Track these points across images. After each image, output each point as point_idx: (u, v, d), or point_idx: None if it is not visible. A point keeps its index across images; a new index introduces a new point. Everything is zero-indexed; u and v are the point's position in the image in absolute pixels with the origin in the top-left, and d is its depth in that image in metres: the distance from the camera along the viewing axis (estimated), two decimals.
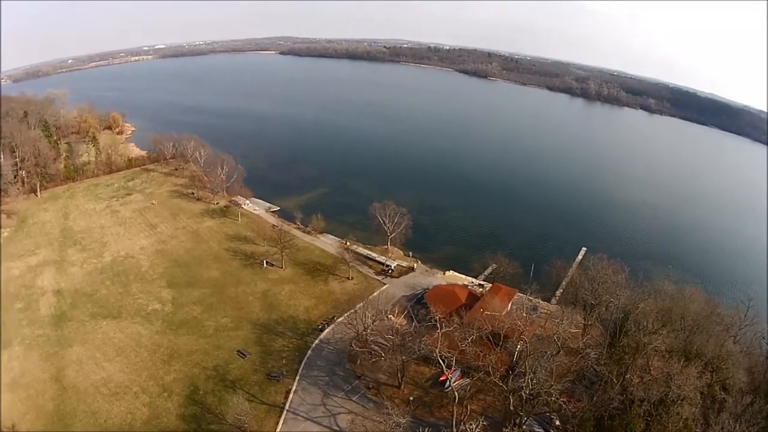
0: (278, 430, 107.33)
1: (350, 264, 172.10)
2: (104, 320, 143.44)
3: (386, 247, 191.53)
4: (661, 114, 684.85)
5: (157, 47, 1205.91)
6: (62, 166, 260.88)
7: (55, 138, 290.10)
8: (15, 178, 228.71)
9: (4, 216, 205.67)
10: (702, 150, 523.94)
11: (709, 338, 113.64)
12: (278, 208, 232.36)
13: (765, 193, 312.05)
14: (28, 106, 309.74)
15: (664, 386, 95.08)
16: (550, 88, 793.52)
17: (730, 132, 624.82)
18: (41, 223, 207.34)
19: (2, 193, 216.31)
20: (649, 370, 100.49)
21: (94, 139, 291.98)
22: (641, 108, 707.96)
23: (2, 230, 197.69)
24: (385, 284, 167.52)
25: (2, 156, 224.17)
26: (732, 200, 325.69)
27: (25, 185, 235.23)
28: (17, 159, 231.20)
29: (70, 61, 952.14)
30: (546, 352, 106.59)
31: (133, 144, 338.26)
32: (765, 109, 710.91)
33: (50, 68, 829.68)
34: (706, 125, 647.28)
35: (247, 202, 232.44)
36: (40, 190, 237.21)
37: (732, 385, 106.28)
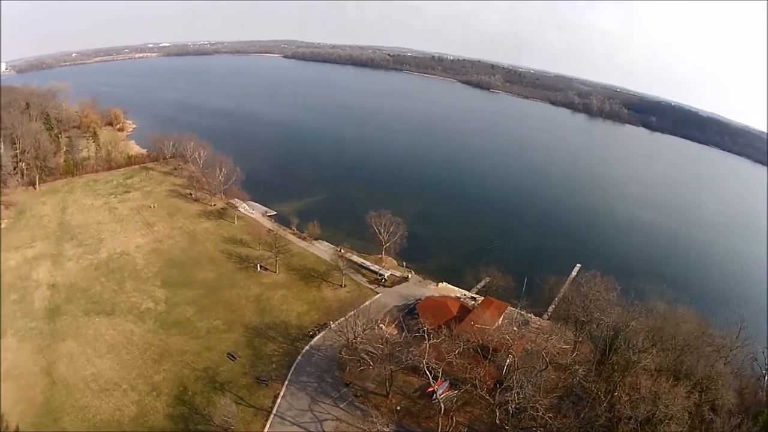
0: None
1: (344, 272, 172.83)
2: (97, 316, 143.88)
3: (380, 256, 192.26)
4: (662, 132, 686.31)
5: (161, 45, 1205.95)
6: (62, 160, 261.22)
7: (56, 131, 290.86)
8: (14, 169, 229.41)
9: (2, 207, 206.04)
10: (701, 169, 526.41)
11: (700, 358, 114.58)
12: (275, 213, 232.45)
13: (764, 214, 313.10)
14: (31, 97, 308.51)
15: (652, 405, 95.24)
16: (553, 103, 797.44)
17: (731, 152, 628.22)
18: (39, 216, 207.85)
19: (1, 184, 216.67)
20: (638, 388, 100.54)
21: (95, 135, 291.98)
22: (642, 125, 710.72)
23: (1, 221, 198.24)
24: (378, 293, 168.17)
25: (2, 147, 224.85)
26: (730, 220, 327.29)
27: (25, 177, 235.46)
28: (17, 150, 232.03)
29: (74, 54, 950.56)
30: (534, 367, 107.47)
31: (133, 141, 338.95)
32: (765, 130, 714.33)
33: (54, 60, 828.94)
34: (707, 145, 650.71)
35: (244, 205, 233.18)
36: (39, 183, 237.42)
37: (721, 406, 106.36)
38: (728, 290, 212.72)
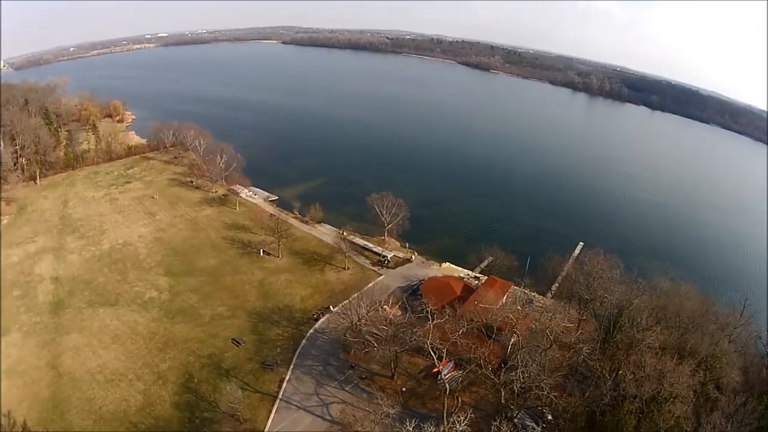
0: (271, 418, 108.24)
1: (347, 254, 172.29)
2: (101, 308, 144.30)
3: (383, 238, 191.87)
4: (662, 111, 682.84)
5: (159, 35, 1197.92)
6: (62, 153, 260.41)
7: (55, 126, 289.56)
8: (15, 165, 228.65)
9: (3, 203, 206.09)
10: (703, 148, 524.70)
11: (704, 337, 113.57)
12: (276, 198, 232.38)
13: (765, 192, 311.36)
14: (30, 93, 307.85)
15: (657, 383, 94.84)
16: (552, 83, 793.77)
17: (732, 131, 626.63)
18: (40, 211, 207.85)
19: (2, 181, 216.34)
20: (642, 366, 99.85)
21: (94, 127, 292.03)
22: (643, 104, 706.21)
23: (2, 217, 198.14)
24: (381, 275, 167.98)
25: (2, 143, 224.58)
26: (732, 199, 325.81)
27: (25, 173, 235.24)
28: (17, 146, 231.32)
29: (72, 49, 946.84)
30: (539, 346, 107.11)
31: (133, 132, 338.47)
32: (766, 109, 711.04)
33: (52, 56, 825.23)
34: (708, 123, 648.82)
35: (246, 190, 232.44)
36: (39, 178, 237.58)
37: (726, 385, 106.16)
38: (731, 268, 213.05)
